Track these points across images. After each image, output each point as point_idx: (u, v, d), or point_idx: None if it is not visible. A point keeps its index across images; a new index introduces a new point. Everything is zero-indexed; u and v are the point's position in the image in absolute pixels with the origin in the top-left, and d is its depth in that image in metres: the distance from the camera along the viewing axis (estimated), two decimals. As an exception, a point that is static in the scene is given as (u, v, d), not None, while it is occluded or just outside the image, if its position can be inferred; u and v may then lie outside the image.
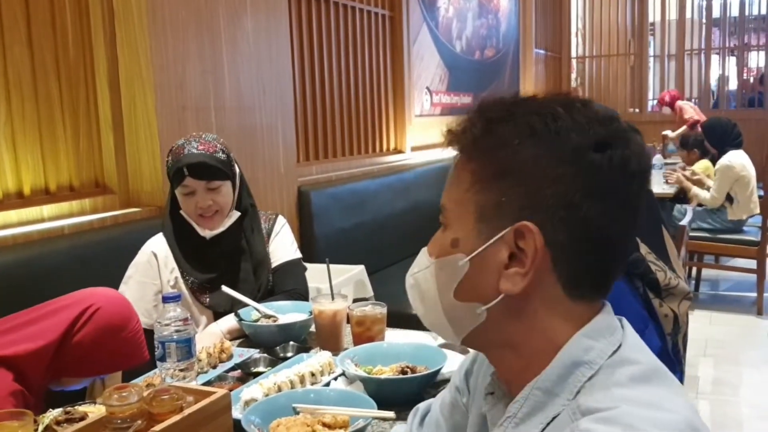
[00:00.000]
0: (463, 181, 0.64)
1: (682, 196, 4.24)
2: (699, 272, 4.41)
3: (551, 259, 0.60)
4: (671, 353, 0.97)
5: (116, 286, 1.64)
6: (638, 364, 0.58)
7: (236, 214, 1.69)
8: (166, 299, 1.22)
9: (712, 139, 4.18)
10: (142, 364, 1.36)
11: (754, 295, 3.97)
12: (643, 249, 0.97)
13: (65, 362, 1.30)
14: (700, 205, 4.13)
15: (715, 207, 3.97)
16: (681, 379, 1.00)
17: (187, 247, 1.68)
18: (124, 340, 1.34)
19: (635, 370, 0.58)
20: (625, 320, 0.65)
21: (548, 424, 0.58)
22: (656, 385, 0.57)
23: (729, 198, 3.96)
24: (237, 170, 1.72)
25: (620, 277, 0.95)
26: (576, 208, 0.59)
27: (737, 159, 3.95)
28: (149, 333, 1.30)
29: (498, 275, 0.61)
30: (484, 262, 0.62)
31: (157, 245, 1.68)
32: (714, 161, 4.15)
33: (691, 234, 3.61)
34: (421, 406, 0.90)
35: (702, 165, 4.42)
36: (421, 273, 0.68)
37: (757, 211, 3.95)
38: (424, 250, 0.69)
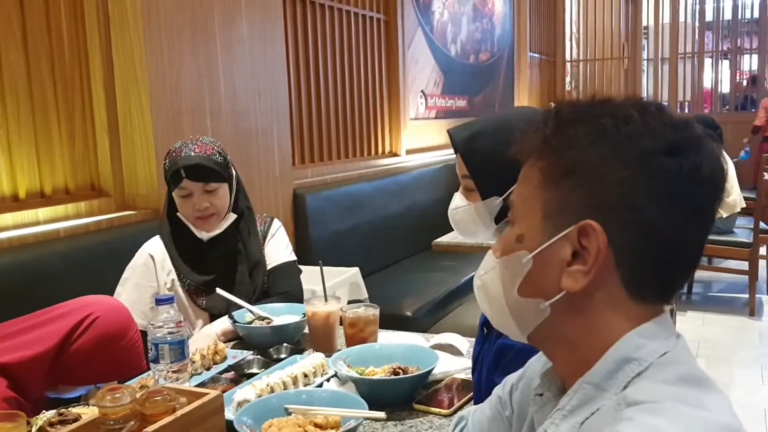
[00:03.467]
0: (532, 179, 0.65)
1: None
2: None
3: (614, 259, 0.60)
4: None
5: (112, 289, 1.65)
6: (686, 366, 0.59)
7: (233, 217, 1.71)
8: (159, 301, 1.24)
9: None
10: (140, 374, 1.37)
11: (746, 296, 4.00)
12: None
13: (63, 370, 1.30)
14: None
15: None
16: None
17: (184, 250, 1.69)
18: (122, 349, 1.35)
19: (685, 370, 0.58)
20: (682, 335, 0.65)
21: (592, 414, 0.59)
22: (705, 390, 0.57)
23: None
24: (234, 173, 1.73)
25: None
26: (640, 210, 0.59)
27: None
28: (146, 335, 1.31)
29: (560, 272, 0.62)
30: (547, 259, 0.63)
31: (154, 247, 1.70)
32: None
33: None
34: (464, 413, 0.89)
35: None
36: (488, 274, 0.68)
37: (737, 209, 4.00)
38: (489, 252, 0.69)
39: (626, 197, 0.59)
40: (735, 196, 4.02)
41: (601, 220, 0.60)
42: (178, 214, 1.68)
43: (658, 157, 0.59)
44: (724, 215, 3.99)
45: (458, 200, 1.10)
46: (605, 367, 0.60)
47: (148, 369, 1.30)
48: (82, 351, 1.30)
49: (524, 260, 0.64)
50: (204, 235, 1.68)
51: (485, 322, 1.09)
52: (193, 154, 1.63)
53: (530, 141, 0.66)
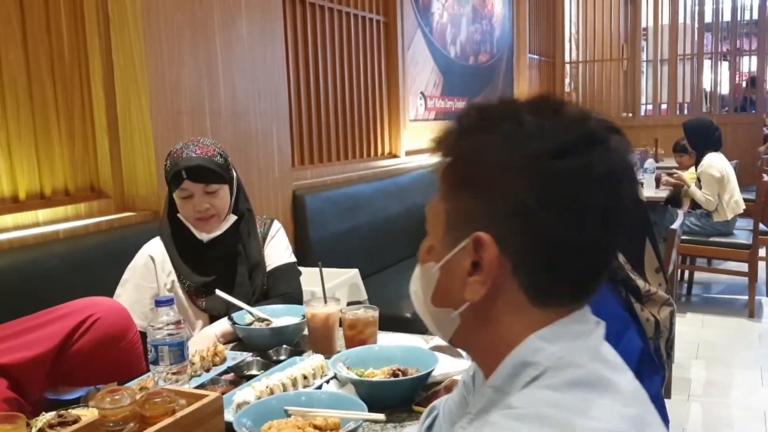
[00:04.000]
0: (439, 190, 0.66)
1: (677, 198, 4.27)
2: (691, 275, 4.44)
3: (512, 267, 0.60)
4: (653, 355, 0.99)
5: (111, 290, 1.65)
6: (582, 369, 0.57)
7: (233, 218, 1.71)
8: (158, 303, 1.24)
9: (693, 139, 4.26)
10: (140, 375, 1.37)
11: (746, 297, 4.00)
12: (621, 258, 0.98)
13: (63, 371, 1.30)
14: (692, 208, 4.17)
15: (711, 209, 4.02)
16: (663, 382, 1.01)
17: (184, 251, 1.69)
18: (122, 350, 1.35)
19: (576, 374, 0.57)
20: (602, 328, 0.63)
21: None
22: (594, 391, 0.56)
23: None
24: (234, 174, 1.73)
25: (604, 281, 0.97)
26: (531, 217, 0.58)
27: (717, 161, 4.03)
28: (146, 336, 1.31)
29: (463, 283, 0.62)
30: (452, 270, 0.63)
31: (155, 248, 1.70)
32: (696, 163, 4.21)
33: (683, 237, 3.64)
34: (437, 403, 0.90)
35: (690, 172, 4.48)
36: (415, 281, 0.71)
37: (740, 210, 4.01)
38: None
39: (516, 205, 0.59)
40: (737, 197, 4.03)
41: (494, 229, 0.60)
42: (178, 215, 1.68)
43: (546, 160, 0.58)
44: (730, 217, 4.00)
45: None
46: (505, 371, 0.60)
47: (148, 370, 1.30)
48: (82, 352, 1.30)
49: (432, 271, 0.65)
50: (204, 237, 1.68)
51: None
52: (194, 155, 1.63)
53: (436, 150, 0.66)
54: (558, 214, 0.58)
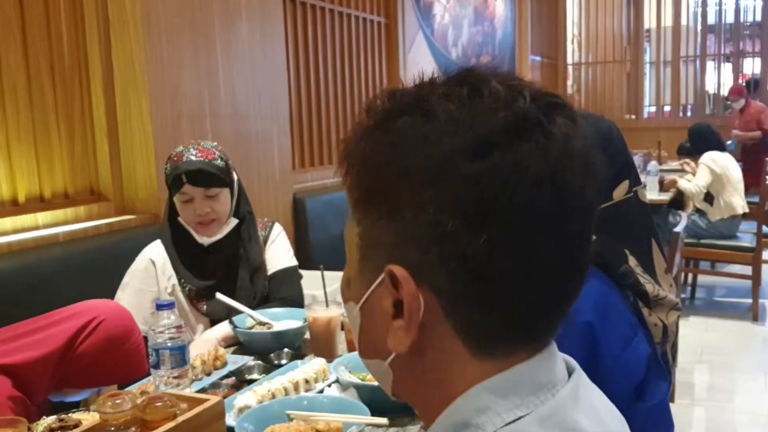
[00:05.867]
0: (349, 204, 0.50)
1: (681, 201, 4.27)
2: (695, 278, 4.42)
3: (441, 308, 0.45)
4: (661, 361, 0.98)
5: (111, 293, 1.64)
6: None
7: (234, 222, 1.70)
8: (159, 307, 1.23)
9: (697, 143, 4.33)
10: (143, 376, 1.37)
11: (750, 301, 3.98)
12: (632, 261, 0.97)
13: (68, 372, 1.31)
14: (695, 210, 4.17)
15: (694, 198, 4.03)
16: (668, 387, 1.00)
17: (185, 255, 1.68)
18: (126, 352, 1.36)
19: None
20: (578, 376, 0.48)
21: None
22: None
23: (709, 199, 4.03)
24: (235, 177, 1.73)
25: (611, 287, 0.96)
26: (450, 241, 0.43)
27: (719, 157, 4.05)
28: (147, 340, 1.31)
29: (387, 328, 0.47)
30: (372, 312, 0.49)
31: (155, 252, 1.69)
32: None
33: (686, 240, 3.63)
34: None
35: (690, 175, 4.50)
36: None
37: (740, 212, 4.01)
38: None
39: (432, 226, 0.43)
40: (738, 198, 4.02)
41: (411, 259, 0.45)
42: (179, 218, 1.68)
43: (461, 163, 0.43)
44: (726, 216, 4.00)
45: None
46: (440, 429, 0.47)
47: (149, 374, 1.29)
48: (87, 354, 1.31)
49: (354, 313, 0.51)
50: (205, 240, 1.67)
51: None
52: (194, 158, 1.62)
53: (343, 154, 0.50)
54: (484, 235, 0.43)
